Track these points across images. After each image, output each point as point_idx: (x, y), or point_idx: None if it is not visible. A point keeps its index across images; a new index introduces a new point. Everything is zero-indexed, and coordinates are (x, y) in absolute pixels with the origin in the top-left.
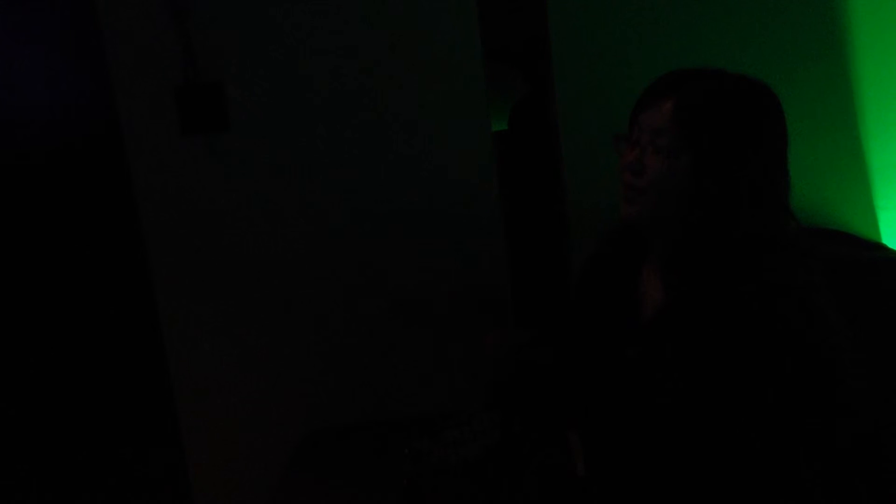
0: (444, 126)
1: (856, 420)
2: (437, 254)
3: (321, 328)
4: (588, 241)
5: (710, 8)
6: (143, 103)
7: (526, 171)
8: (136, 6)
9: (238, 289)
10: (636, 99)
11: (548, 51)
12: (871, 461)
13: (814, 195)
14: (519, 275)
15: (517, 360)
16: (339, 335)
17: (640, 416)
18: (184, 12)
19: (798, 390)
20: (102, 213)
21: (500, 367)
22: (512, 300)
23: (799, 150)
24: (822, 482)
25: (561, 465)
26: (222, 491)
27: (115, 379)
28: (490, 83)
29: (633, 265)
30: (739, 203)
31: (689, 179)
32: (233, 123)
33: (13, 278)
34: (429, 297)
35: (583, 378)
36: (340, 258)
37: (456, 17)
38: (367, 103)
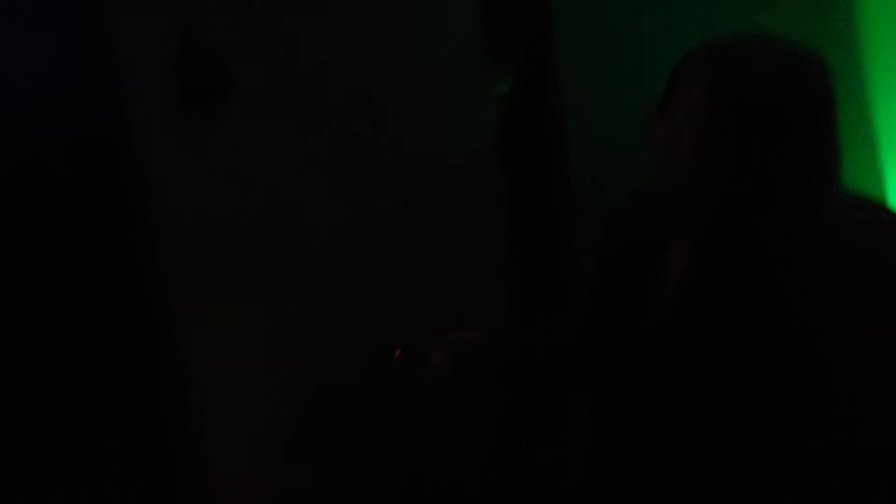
0: (443, 96)
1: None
2: (440, 224)
3: (330, 293)
4: (590, 210)
5: None
6: (143, 71)
7: (527, 140)
8: None
9: (244, 257)
10: (674, 66)
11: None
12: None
13: None
14: (520, 246)
15: (522, 345)
16: (347, 300)
17: (656, 388)
18: None
19: (810, 380)
20: (103, 184)
21: (501, 352)
22: (512, 270)
23: None
24: (831, 463)
25: (566, 433)
26: (233, 449)
27: (122, 350)
28: (489, 51)
29: (658, 236)
30: (778, 191)
31: (726, 163)
32: (234, 92)
33: (13, 247)
34: (432, 267)
35: (601, 350)
36: (345, 226)
37: None
38: (365, 73)
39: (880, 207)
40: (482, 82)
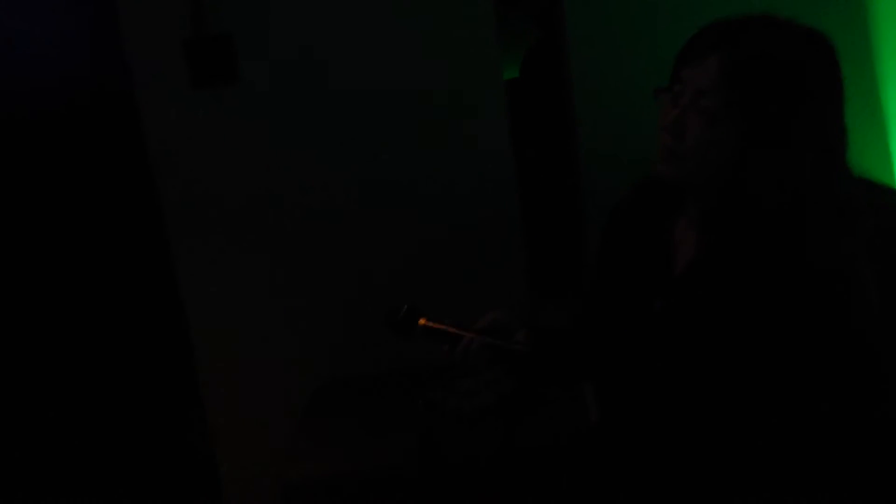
0: (455, 74)
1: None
2: (451, 205)
3: (337, 278)
4: (601, 190)
5: None
6: (153, 56)
7: (538, 120)
8: None
9: (252, 239)
10: (680, 49)
11: None
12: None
13: None
14: (532, 224)
15: (535, 329)
16: (354, 286)
17: (664, 366)
18: None
19: (825, 351)
20: (114, 166)
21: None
22: (524, 250)
23: None
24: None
25: (573, 412)
26: (241, 438)
27: (132, 331)
28: (501, 30)
29: (665, 218)
30: (787, 171)
31: (734, 148)
32: (243, 76)
33: (25, 233)
34: (444, 249)
35: (606, 329)
36: (354, 207)
37: None
38: (374, 52)
39: (888, 191)
40: (495, 59)
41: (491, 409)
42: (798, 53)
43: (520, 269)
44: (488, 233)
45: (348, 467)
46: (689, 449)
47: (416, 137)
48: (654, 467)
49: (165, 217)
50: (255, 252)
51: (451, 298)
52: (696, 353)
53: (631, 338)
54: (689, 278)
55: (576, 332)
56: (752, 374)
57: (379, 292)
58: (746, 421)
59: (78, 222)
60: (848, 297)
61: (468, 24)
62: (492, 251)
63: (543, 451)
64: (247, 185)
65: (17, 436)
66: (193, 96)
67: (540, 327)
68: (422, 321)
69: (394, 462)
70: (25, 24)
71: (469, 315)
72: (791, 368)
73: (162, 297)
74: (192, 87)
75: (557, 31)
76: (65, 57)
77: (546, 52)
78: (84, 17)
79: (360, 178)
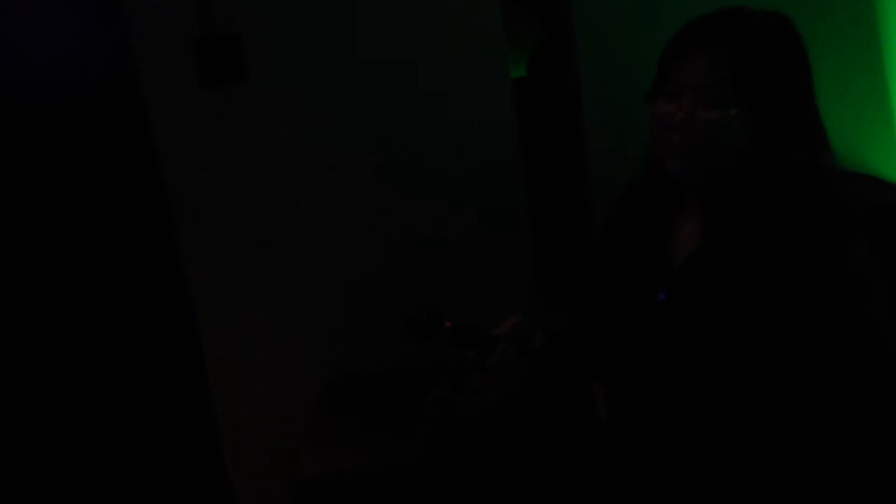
0: (462, 73)
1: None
2: (458, 203)
3: (345, 276)
4: (609, 187)
5: None
6: (162, 55)
7: (545, 118)
8: None
9: (259, 237)
10: (664, 52)
11: None
12: None
13: (838, 137)
14: (539, 223)
15: (545, 331)
16: (362, 284)
17: (669, 358)
18: None
19: (830, 337)
20: (122, 164)
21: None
22: (531, 250)
23: (824, 92)
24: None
25: (582, 411)
26: (250, 435)
27: (139, 330)
28: (508, 28)
29: (664, 212)
30: (792, 145)
31: (743, 128)
32: (251, 74)
33: (35, 232)
34: (451, 247)
35: (610, 323)
36: (362, 206)
37: None
38: (382, 51)
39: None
40: (502, 58)
41: (500, 407)
42: (779, 35)
43: (527, 267)
44: (495, 231)
45: (356, 464)
46: (694, 445)
47: (424, 136)
48: (661, 464)
49: (173, 215)
50: (263, 250)
51: (459, 296)
52: (699, 344)
53: (634, 331)
54: (692, 269)
55: (580, 331)
56: (753, 368)
57: (387, 290)
58: (748, 416)
59: (86, 221)
60: (852, 292)
61: (475, 22)
62: (499, 249)
63: (552, 449)
64: (254, 182)
65: (27, 436)
66: (202, 95)
67: (552, 329)
68: (447, 323)
69: (402, 459)
70: (33, 25)
71: (476, 313)
72: (792, 363)
73: (170, 296)
74: (201, 86)
75: (565, 30)
76: (73, 56)
77: (553, 50)
78: (92, 16)
79: (367, 176)
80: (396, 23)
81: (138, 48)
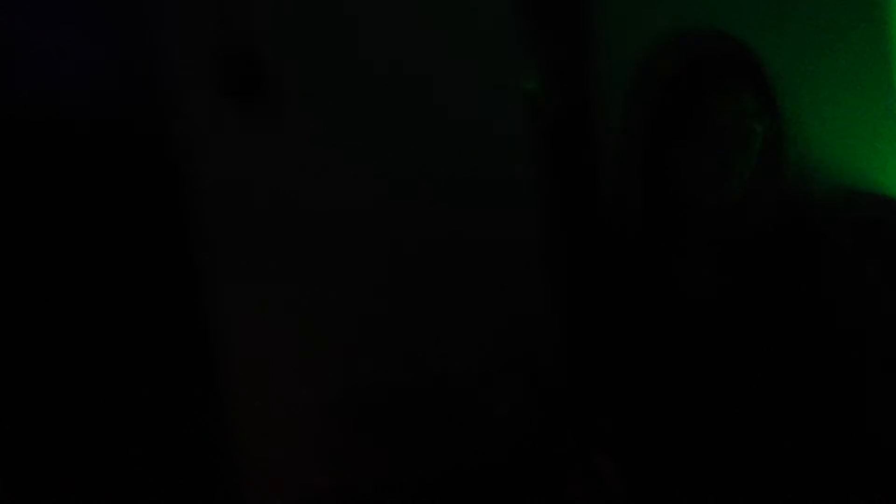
0: (476, 86)
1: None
2: (475, 214)
3: (366, 283)
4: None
5: None
6: (183, 67)
7: (561, 138)
8: None
9: (278, 242)
10: (665, 97)
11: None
12: None
13: (849, 157)
14: (552, 242)
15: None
16: (384, 292)
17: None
18: None
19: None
20: (143, 176)
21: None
22: (546, 261)
23: (836, 113)
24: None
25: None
26: (266, 443)
27: (155, 333)
28: (525, 45)
29: (671, 249)
30: (779, 156)
31: (764, 148)
32: (271, 87)
33: (58, 236)
34: (470, 259)
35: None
36: (381, 216)
37: None
38: (400, 60)
39: None
40: (516, 72)
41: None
42: (755, 54)
43: (538, 277)
44: (511, 241)
45: (371, 474)
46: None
47: (444, 146)
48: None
49: (192, 221)
50: (280, 260)
51: (477, 301)
52: (719, 384)
53: (651, 360)
54: (712, 307)
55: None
56: (768, 408)
57: (407, 299)
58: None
59: (106, 230)
60: (869, 330)
61: (491, 37)
62: (516, 261)
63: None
64: (273, 189)
65: (50, 442)
66: (222, 106)
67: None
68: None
69: (415, 475)
70: (56, 35)
71: (494, 322)
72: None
73: (186, 302)
74: (221, 97)
75: (584, 46)
76: (94, 69)
77: (571, 66)
78: (114, 28)
79: (387, 183)
80: (415, 33)
81: (159, 60)
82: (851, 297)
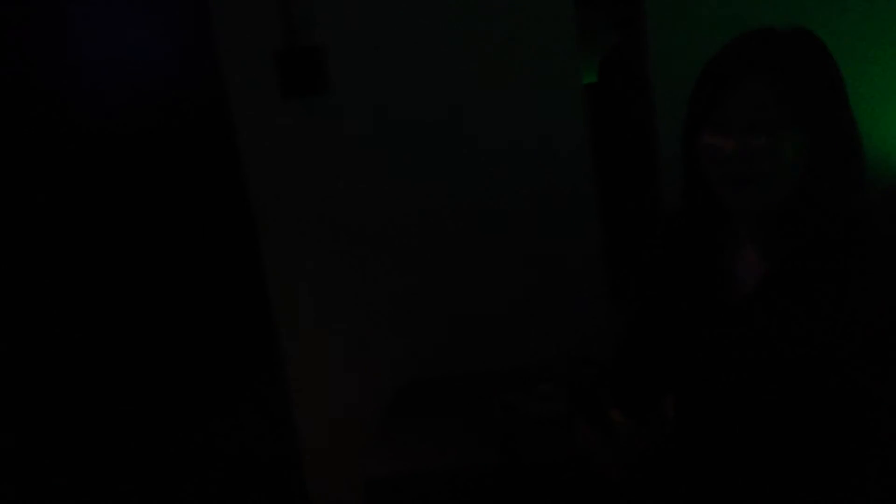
0: (534, 80)
1: None
2: (529, 209)
3: (422, 282)
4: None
5: None
6: (246, 67)
7: (616, 125)
8: None
9: (339, 242)
10: (703, 82)
11: None
12: None
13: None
14: (611, 231)
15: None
16: (440, 291)
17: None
18: None
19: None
20: (208, 173)
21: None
22: (602, 259)
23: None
24: None
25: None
26: (326, 435)
27: (222, 330)
28: (581, 33)
29: (713, 247)
30: (842, 164)
31: (802, 152)
32: (332, 87)
33: (127, 232)
34: (523, 254)
35: (668, 352)
36: (437, 212)
37: None
38: (456, 58)
39: None
40: (575, 63)
41: (563, 416)
42: (815, 52)
43: (598, 273)
44: (566, 236)
45: (429, 465)
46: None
47: (497, 142)
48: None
49: (257, 220)
50: (343, 255)
51: (532, 303)
52: (768, 375)
53: (698, 360)
54: (750, 306)
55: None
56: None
57: (462, 298)
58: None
59: (176, 228)
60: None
61: (548, 27)
62: (569, 256)
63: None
64: (335, 190)
65: (112, 439)
66: (284, 107)
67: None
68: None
69: (472, 462)
70: (125, 38)
71: (547, 319)
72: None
73: (252, 299)
74: (284, 98)
75: (638, 35)
76: (161, 70)
77: (625, 56)
78: (179, 30)
79: (444, 184)
80: (471, 29)
81: (224, 60)
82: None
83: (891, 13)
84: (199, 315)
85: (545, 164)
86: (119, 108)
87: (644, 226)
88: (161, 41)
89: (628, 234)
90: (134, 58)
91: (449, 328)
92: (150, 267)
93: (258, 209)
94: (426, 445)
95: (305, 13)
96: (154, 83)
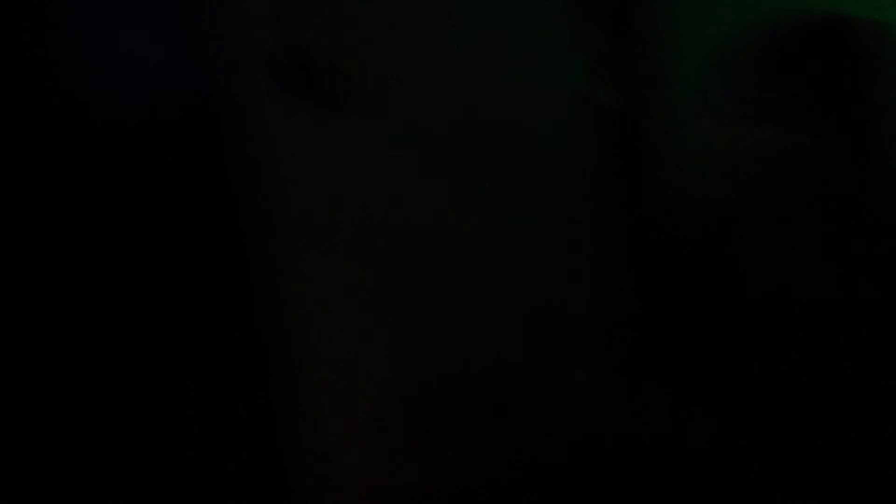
0: (529, 88)
1: None
2: (543, 209)
3: (437, 286)
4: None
5: None
6: (237, 70)
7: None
8: None
9: (339, 244)
10: (738, 71)
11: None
12: None
13: None
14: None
15: None
16: (454, 295)
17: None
18: None
19: None
20: (198, 174)
21: None
22: (609, 256)
23: None
24: None
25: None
26: (334, 444)
27: (222, 336)
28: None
29: (725, 244)
30: (880, 160)
31: (828, 154)
32: (325, 89)
33: (118, 235)
34: (532, 254)
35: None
36: (443, 214)
37: None
38: (458, 61)
39: None
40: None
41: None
42: (859, 48)
43: (601, 273)
44: (574, 238)
45: (444, 475)
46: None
47: (496, 146)
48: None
49: (250, 221)
50: (347, 257)
51: (545, 300)
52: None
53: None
54: (780, 305)
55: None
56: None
57: (479, 301)
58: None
59: (176, 228)
60: None
61: (544, 36)
62: (570, 253)
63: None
64: (328, 192)
65: (110, 440)
66: (276, 109)
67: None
68: None
69: (488, 471)
70: (120, 40)
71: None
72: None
73: (254, 302)
74: (275, 100)
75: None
76: (153, 74)
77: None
78: (170, 31)
79: (447, 183)
80: (472, 33)
81: (215, 63)
82: None
83: None
84: (199, 315)
85: (546, 182)
86: (107, 106)
87: (655, 221)
88: (156, 41)
89: (641, 232)
90: (128, 59)
91: (465, 333)
92: (151, 267)
93: (252, 210)
94: (440, 454)
95: (303, 11)
96: (140, 88)
